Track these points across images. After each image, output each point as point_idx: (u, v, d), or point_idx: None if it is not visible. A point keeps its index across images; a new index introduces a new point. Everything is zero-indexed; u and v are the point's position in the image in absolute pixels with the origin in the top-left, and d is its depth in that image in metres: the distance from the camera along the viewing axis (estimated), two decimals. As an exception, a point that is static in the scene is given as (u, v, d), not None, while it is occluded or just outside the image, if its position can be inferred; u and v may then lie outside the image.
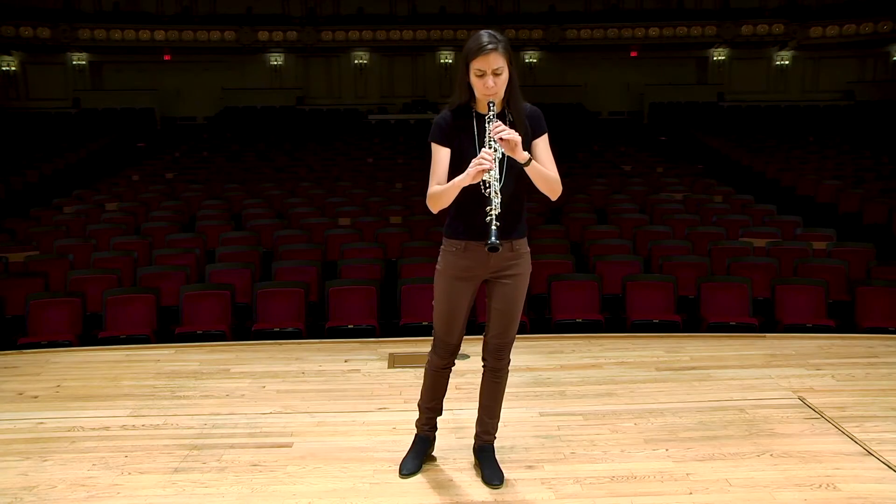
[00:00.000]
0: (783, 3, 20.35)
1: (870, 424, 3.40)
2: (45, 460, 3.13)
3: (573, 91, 20.76)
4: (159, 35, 19.58)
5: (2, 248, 7.59)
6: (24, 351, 4.96)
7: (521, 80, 2.69)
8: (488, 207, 2.46)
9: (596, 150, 14.91)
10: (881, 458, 3.04)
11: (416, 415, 3.03)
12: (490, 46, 2.50)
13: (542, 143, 2.69)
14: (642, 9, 20.76)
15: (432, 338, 2.86)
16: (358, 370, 4.36)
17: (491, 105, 2.54)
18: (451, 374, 2.94)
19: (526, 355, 4.50)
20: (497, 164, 2.49)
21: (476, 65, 2.53)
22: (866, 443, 3.19)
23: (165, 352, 4.82)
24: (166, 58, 20.14)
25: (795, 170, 12.51)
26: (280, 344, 5.02)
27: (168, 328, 5.71)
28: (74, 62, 20.12)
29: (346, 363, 4.50)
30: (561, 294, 5.95)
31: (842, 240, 7.98)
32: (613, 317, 6.01)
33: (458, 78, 2.64)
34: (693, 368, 4.30)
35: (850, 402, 3.69)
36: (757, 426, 3.40)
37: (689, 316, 5.95)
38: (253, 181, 11.79)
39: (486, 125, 2.52)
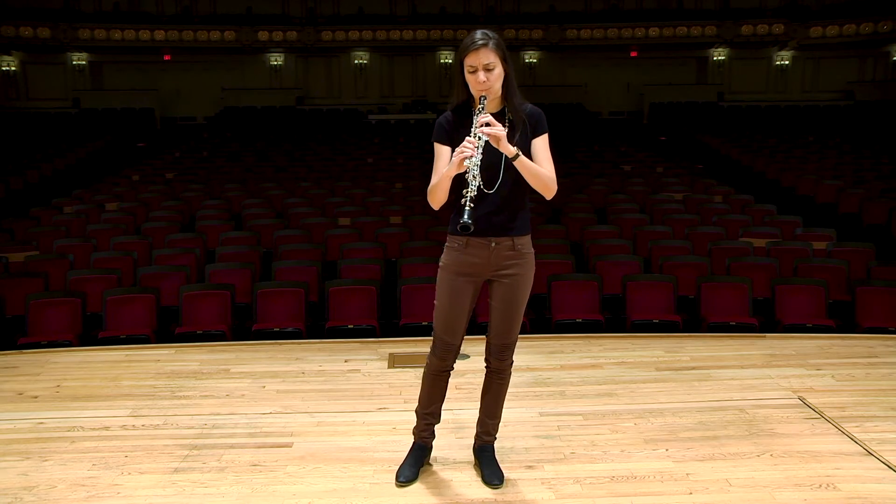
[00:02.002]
0: (783, 3, 20.36)
1: (870, 424, 3.40)
2: (45, 460, 3.13)
3: (573, 91, 20.76)
4: (159, 35, 19.58)
5: (2, 248, 7.59)
6: (24, 351, 4.96)
7: (520, 80, 2.71)
8: (465, 189, 2.48)
9: (596, 150, 14.91)
10: (881, 458, 3.04)
11: (417, 415, 3.02)
12: (481, 42, 2.56)
13: (541, 143, 2.71)
14: (642, 9, 20.76)
15: (432, 339, 2.86)
16: (358, 370, 4.36)
17: (482, 99, 2.58)
18: (450, 378, 2.91)
19: (526, 355, 4.49)
20: (479, 151, 2.50)
21: (468, 61, 2.58)
22: (866, 443, 3.19)
23: (165, 352, 4.82)
24: (166, 58, 20.13)
25: (795, 170, 12.51)
26: (280, 344, 5.02)
27: (168, 328, 5.71)
28: (74, 62, 20.12)
29: (346, 363, 4.50)
30: (561, 294, 5.95)
31: (842, 240, 7.98)
32: (613, 317, 6.01)
33: (456, 78, 2.69)
34: (693, 368, 4.30)
35: (850, 402, 3.69)
36: (757, 426, 3.40)
37: (689, 316, 5.95)
38: (253, 181, 11.79)
39: (474, 116, 2.56)
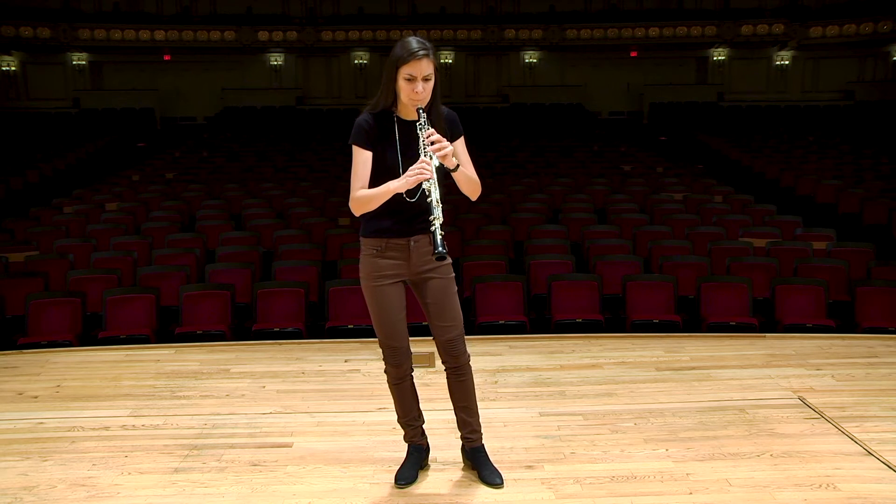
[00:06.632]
0: (783, 3, 20.35)
1: (870, 424, 3.40)
2: (45, 460, 3.13)
3: (573, 91, 20.75)
4: (159, 35, 19.58)
5: (2, 248, 7.59)
6: (24, 351, 4.96)
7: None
8: (431, 217, 2.49)
9: (596, 150, 14.89)
10: (881, 458, 3.04)
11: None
12: (422, 52, 2.56)
13: (460, 146, 2.76)
14: (642, 9, 20.75)
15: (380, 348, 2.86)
16: (358, 370, 4.36)
17: (421, 112, 2.59)
18: (413, 380, 2.91)
19: (526, 355, 4.47)
20: (434, 172, 2.52)
21: (408, 69, 2.57)
22: (866, 443, 3.18)
23: (165, 352, 4.82)
24: (166, 58, 20.14)
25: (795, 170, 12.51)
26: (280, 344, 5.02)
27: (168, 328, 5.71)
28: (74, 62, 20.12)
29: (346, 363, 4.50)
30: (561, 294, 5.95)
31: (842, 240, 7.98)
32: (613, 317, 6.01)
33: (384, 81, 2.66)
34: (693, 368, 4.30)
35: (850, 402, 3.69)
36: (757, 426, 3.40)
37: (689, 316, 5.95)
38: (253, 181, 11.79)
39: (419, 132, 2.58)
